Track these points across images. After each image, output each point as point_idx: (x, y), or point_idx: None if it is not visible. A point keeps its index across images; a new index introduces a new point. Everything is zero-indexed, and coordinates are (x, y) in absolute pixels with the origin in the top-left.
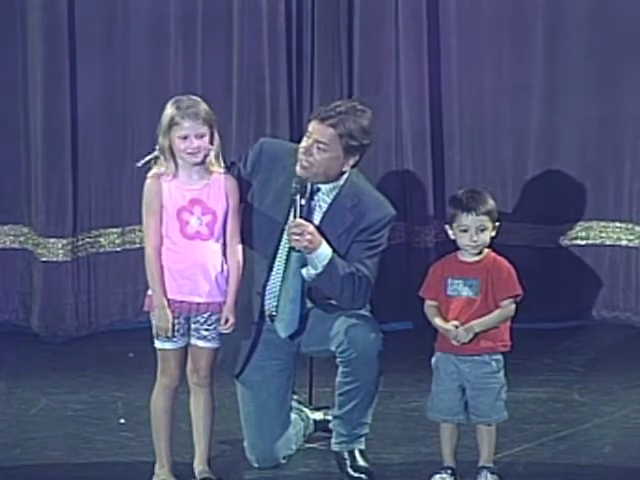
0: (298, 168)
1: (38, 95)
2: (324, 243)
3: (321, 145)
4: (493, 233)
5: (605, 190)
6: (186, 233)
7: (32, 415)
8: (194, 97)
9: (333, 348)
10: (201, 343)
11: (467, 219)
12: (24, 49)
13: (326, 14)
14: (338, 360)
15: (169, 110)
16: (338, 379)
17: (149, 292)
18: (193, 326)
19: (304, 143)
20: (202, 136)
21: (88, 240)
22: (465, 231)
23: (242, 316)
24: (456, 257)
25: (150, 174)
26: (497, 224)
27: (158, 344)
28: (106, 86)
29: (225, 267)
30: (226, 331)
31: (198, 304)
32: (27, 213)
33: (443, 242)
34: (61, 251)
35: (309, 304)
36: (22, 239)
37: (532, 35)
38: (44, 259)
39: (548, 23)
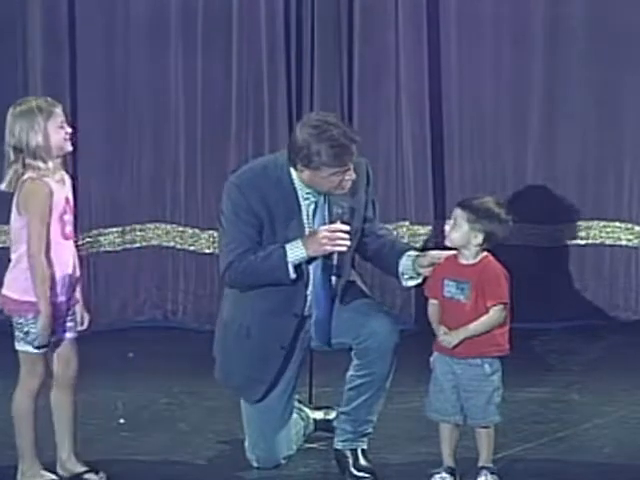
0: (342, 190)
1: (38, 95)
2: None
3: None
4: (479, 240)
5: (605, 190)
6: (65, 234)
7: None
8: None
9: (350, 339)
10: (67, 335)
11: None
12: (24, 49)
13: (326, 15)
14: (354, 352)
15: (31, 110)
16: (350, 373)
17: (3, 291)
18: (57, 321)
19: (350, 175)
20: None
21: (88, 240)
22: None
23: (267, 341)
24: (455, 258)
25: (33, 178)
26: (483, 236)
27: (30, 348)
28: (106, 86)
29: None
30: (83, 328)
31: (67, 301)
32: None
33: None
34: None
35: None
36: None
37: (532, 35)
38: None
39: (548, 23)
